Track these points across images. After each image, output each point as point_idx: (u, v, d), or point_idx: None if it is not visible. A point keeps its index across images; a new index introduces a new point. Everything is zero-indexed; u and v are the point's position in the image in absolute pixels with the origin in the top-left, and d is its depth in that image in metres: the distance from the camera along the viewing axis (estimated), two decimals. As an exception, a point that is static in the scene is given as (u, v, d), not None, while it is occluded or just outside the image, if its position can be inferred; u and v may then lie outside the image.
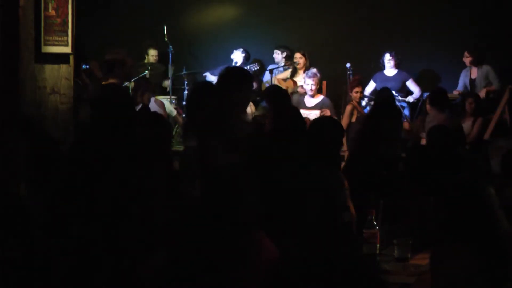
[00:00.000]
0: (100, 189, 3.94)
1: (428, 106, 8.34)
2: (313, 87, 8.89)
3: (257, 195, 3.12)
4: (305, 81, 8.99)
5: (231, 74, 5.25)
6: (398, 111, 8.20)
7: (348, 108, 9.01)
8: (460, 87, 9.90)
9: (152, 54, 10.40)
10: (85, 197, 3.95)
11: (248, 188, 3.09)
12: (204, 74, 10.33)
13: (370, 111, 8.05)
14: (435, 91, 8.42)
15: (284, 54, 10.33)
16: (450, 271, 3.05)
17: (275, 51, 10.33)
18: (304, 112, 8.72)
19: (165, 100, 9.35)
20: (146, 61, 10.40)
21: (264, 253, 2.93)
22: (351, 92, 9.14)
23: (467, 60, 9.79)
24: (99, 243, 3.50)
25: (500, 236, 3.07)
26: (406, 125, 8.55)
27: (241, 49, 10.34)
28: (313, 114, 8.63)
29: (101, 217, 3.63)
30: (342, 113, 9.59)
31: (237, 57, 10.30)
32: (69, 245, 3.61)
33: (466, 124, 8.42)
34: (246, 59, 10.33)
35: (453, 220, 3.09)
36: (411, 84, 9.82)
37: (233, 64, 10.20)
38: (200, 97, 7.16)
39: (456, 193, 3.14)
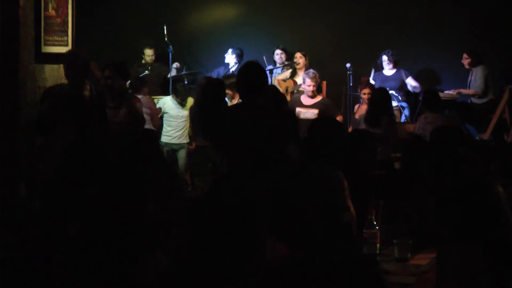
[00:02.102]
0: (99, 187, 3.93)
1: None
2: (313, 88, 8.83)
3: (265, 195, 3.12)
4: (305, 81, 8.91)
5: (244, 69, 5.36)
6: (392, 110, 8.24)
7: (363, 107, 8.97)
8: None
9: (148, 54, 10.37)
10: (83, 195, 3.95)
11: (257, 189, 3.09)
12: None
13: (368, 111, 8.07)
14: (427, 94, 8.39)
15: (285, 55, 10.32)
16: (455, 269, 3.05)
17: (277, 52, 10.30)
18: (300, 110, 8.71)
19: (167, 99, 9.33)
20: (143, 61, 10.40)
21: (271, 253, 2.93)
22: (360, 93, 9.11)
23: (465, 62, 9.76)
24: (98, 243, 3.50)
25: (506, 234, 3.07)
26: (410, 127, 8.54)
27: (231, 50, 10.33)
28: (310, 113, 8.62)
29: (100, 216, 3.62)
30: (343, 113, 9.59)
31: (230, 59, 10.30)
32: (68, 244, 3.61)
33: None
34: (239, 57, 10.34)
35: (460, 219, 3.09)
36: (410, 81, 9.82)
37: (230, 67, 10.21)
38: (215, 93, 7.20)
39: (463, 192, 3.14)
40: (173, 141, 8.91)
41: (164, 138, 8.89)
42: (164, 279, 3.05)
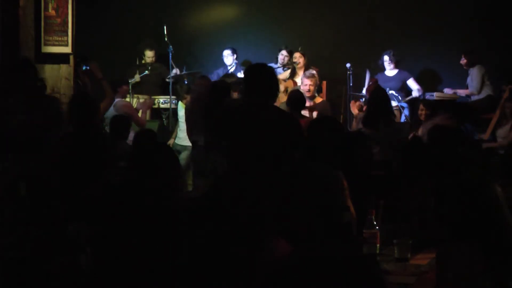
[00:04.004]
0: (103, 187, 3.93)
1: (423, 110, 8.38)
2: (311, 88, 8.78)
3: (266, 195, 3.13)
4: (303, 81, 8.91)
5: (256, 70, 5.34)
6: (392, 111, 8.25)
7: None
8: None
9: (149, 56, 10.37)
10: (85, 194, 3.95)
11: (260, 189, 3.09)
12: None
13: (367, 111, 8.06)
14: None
15: (289, 58, 10.32)
16: (455, 270, 3.05)
17: (283, 52, 10.28)
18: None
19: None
20: (143, 62, 10.40)
21: (272, 252, 2.93)
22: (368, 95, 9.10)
23: (463, 63, 9.81)
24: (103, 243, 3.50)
25: (505, 235, 3.07)
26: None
27: (230, 50, 10.32)
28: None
29: (107, 216, 3.62)
30: (343, 113, 9.59)
31: (229, 60, 10.30)
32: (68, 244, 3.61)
33: (505, 129, 8.43)
34: (236, 58, 10.37)
35: (459, 220, 3.09)
36: (412, 83, 9.84)
37: (229, 65, 10.21)
38: (218, 96, 7.23)
39: (463, 192, 3.14)
40: (178, 142, 8.88)
41: (176, 140, 8.87)
42: (166, 278, 3.06)
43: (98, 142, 5.30)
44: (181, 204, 3.98)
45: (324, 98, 9.32)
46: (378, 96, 8.30)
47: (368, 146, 5.15)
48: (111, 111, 8.26)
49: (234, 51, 10.30)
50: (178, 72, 10.03)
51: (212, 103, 6.92)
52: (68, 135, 5.42)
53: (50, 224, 3.92)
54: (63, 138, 5.38)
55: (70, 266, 3.48)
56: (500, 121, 8.63)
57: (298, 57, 9.96)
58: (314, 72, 9.14)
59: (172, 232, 3.36)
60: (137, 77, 9.95)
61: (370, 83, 9.35)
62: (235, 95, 8.54)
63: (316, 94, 8.99)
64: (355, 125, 8.53)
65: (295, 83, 9.86)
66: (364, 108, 8.84)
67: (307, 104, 8.70)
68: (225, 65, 10.33)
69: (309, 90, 8.69)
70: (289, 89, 9.74)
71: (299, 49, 9.97)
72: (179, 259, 3.04)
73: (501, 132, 8.52)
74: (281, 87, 9.64)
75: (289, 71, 10.04)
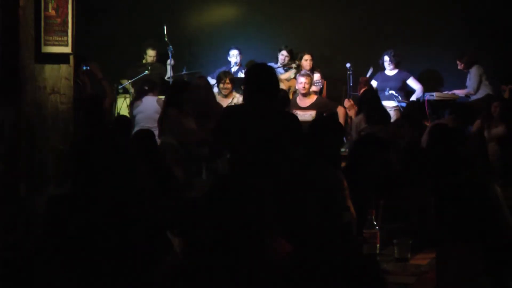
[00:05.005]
0: (102, 189, 3.93)
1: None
2: (306, 86, 8.83)
3: (267, 195, 3.12)
4: (298, 80, 8.96)
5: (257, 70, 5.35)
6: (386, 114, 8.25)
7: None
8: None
9: (150, 55, 10.38)
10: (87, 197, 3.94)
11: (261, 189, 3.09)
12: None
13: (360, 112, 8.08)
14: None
15: (289, 58, 10.30)
16: (455, 269, 3.05)
17: (283, 52, 10.26)
18: (297, 113, 8.65)
19: None
20: (144, 61, 10.40)
21: (275, 251, 2.93)
22: (360, 93, 9.11)
23: (460, 67, 9.86)
24: (101, 244, 3.50)
25: (505, 235, 3.07)
26: None
27: (236, 50, 10.31)
28: (307, 115, 8.54)
29: (103, 217, 3.62)
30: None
31: (233, 59, 10.30)
32: (70, 245, 3.61)
33: (499, 129, 8.38)
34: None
35: (459, 220, 3.09)
36: (412, 82, 9.85)
37: (232, 65, 10.20)
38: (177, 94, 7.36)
39: (463, 192, 3.14)
40: None
41: None
42: (167, 278, 3.05)
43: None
44: (179, 204, 3.99)
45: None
46: (372, 95, 8.36)
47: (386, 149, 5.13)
48: (150, 107, 8.43)
49: (240, 52, 10.29)
50: (173, 63, 10.01)
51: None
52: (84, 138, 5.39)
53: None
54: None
55: (70, 266, 3.48)
56: (489, 121, 8.59)
57: (309, 60, 9.95)
58: (309, 72, 9.18)
59: (165, 230, 3.37)
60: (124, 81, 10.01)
61: (361, 82, 9.37)
62: (227, 82, 8.64)
63: (311, 93, 9.02)
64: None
65: (297, 83, 9.86)
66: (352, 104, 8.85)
67: (301, 103, 8.73)
68: (227, 65, 10.31)
69: (304, 87, 8.79)
70: (292, 89, 9.74)
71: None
72: (175, 259, 3.04)
73: (495, 134, 8.45)
74: (284, 87, 9.65)
75: (293, 71, 10.02)
